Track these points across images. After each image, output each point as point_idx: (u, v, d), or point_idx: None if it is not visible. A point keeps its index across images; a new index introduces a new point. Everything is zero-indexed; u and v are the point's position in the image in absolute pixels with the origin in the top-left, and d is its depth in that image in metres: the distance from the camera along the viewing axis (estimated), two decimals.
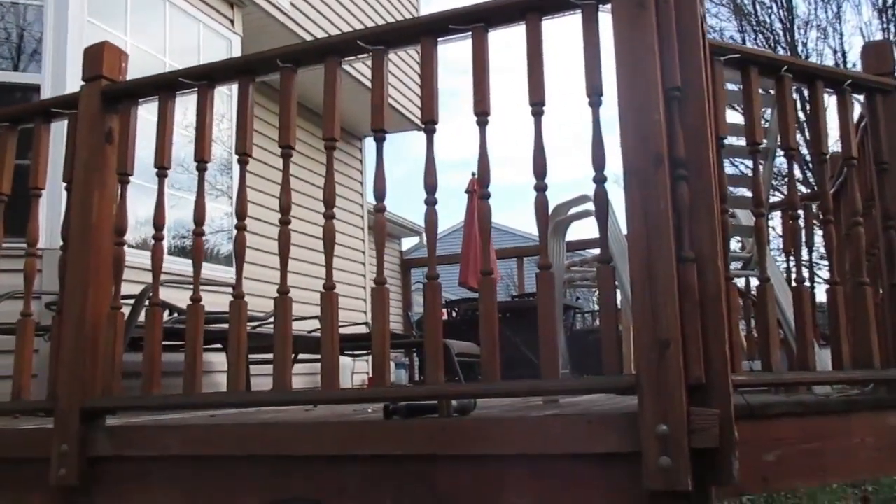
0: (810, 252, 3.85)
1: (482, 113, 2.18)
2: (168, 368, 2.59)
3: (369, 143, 8.52)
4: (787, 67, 2.46)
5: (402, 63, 8.35)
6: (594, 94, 2.05)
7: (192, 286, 2.47)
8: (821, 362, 2.49)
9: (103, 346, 2.51)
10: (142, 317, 2.93)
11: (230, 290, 2.42)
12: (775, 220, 9.47)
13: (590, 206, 3.16)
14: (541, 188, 2.11)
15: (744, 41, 16.54)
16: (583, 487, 1.95)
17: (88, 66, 2.70)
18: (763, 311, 2.24)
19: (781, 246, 9.20)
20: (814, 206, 4.39)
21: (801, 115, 13.27)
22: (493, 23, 2.22)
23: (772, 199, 6.37)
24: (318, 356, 2.27)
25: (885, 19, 15.75)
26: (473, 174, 6.83)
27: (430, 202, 2.20)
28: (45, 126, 2.85)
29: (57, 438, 2.44)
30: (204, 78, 2.58)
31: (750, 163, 2.42)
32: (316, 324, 2.57)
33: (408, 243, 13.91)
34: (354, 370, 7.00)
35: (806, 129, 13.40)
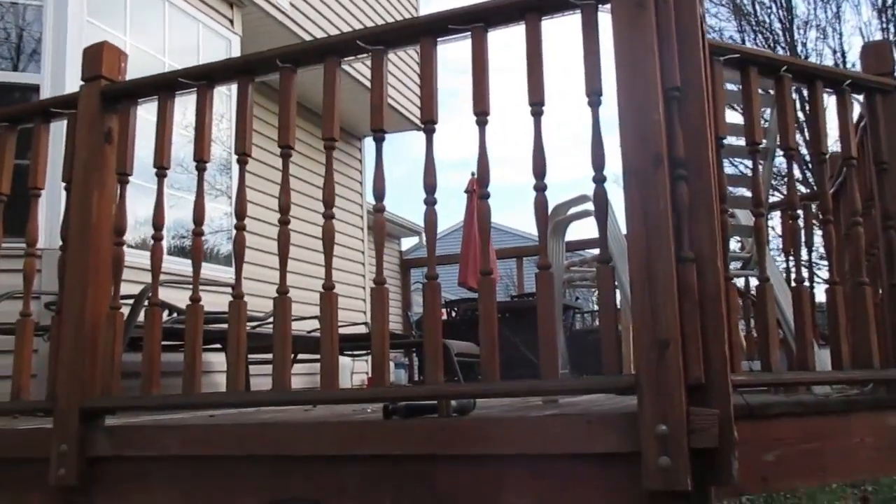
0: (810, 252, 3.85)
1: (482, 113, 2.18)
2: (167, 368, 2.59)
3: (369, 143, 8.51)
4: (786, 67, 2.46)
5: (402, 63, 8.35)
6: (593, 94, 2.05)
7: (191, 286, 2.47)
8: (820, 362, 2.49)
9: (102, 346, 2.51)
10: (141, 317, 2.93)
11: (229, 290, 2.42)
12: (775, 220, 9.49)
13: (589, 206, 3.16)
14: (540, 188, 2.11)
15: (743, 41, 16.54)
16: (582, 487, 1.95)
17: (88, 66, 2.70)
18: (762, 311, 2.24)
19: (781, 246, 9.20)
20: (813, 206, 4.39)
21: (800, 114, 13.27)
22: (492, 23, 2.22)
23: (771, 199, 6.38)
24: (318, 356, 2.27)
25: (884, 19, 15.76)
26: (473, 174, 6.83)
27: (430, 202, 2.20)
28: (44, 126, 2.85)
29: (56, 438, 2.44)
30: (203, 78, 2.58)
31: (749, 163, 2.42)
32: (315, 324, 2.57)
33: (407, 243, 13.92)
34: (354, 370, 7.00)
35: (805, 129, 13.41)
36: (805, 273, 2.52)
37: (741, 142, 2.59)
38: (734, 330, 2.04)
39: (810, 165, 14.18)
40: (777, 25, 16.92)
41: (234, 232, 2.43)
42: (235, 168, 3.20)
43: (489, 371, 2.05)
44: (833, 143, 4.67)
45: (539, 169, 2.11)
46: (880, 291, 2.76)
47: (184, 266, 4.01)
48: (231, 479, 2.33)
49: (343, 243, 7.69)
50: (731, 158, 9.89)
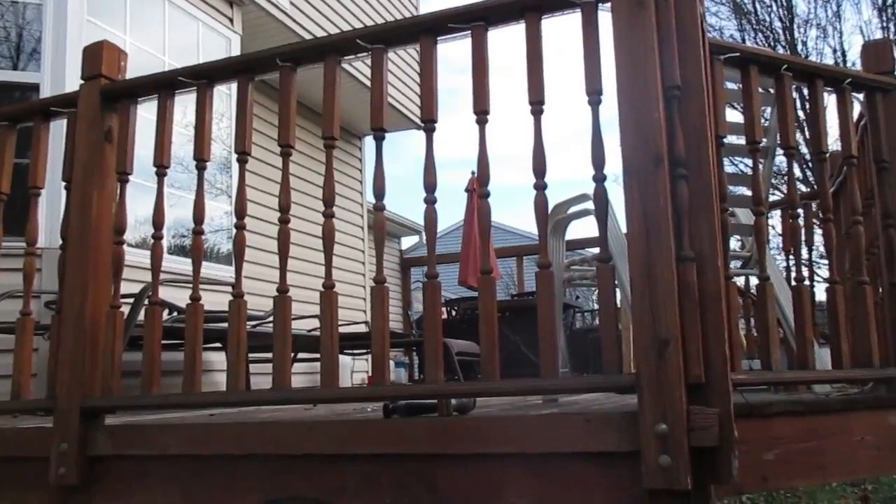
0: (810, 251, 3.85)
1: (482, 112, 2.18)
2: (168, 367, 2.60)
3: (369, 142, 8.51)
4: (786, 66, 2.46)
5: (402, 62, 8.35)
6: (594, 94, 2.05)
7: (191, 285, 2.47)
8: (820, 361, 2.49)
9: (103, 345, 2.51)
10: (141, 316, 2.93)
11: (230, 288, 2.42)
12: (775, 219, 9.48)
13: (589, 204, 3.16)
14: (540, 187, 2.10)
15: (743, 40, 16.54)
16: (582, 486, 1.95)
17: (87, 65, 2.70)
18: (763, 310, 2.24)
19: (781, 245, 9.21)
20: (813, 205, 4.39)
21: (800, 113, 13.27)
22: (492, 22, 2.22)
23: (771, 198, 6.37)
24: (318, 355, 2.27)
25: (884, 18, 15.74)
26: (473, 173, 6.82)
27: (430, 201, 2.20)
28: (44, 125, 2.85)
29: (56, 437, 2.44)
30: (203, 77, 2.58)
31: (750, 161, 2.42)
32: (315, 323, 2.57)
33: (407, 242, 13.90)
34: (354, 369, 7.00)
35: (806, 128, 13.40)
36: (805, 272, 2.52)
37: (741, 140, 2.59)
38: (734, 329, 2.04)
39: (810, 164, 14.18)
40: (777, 24, 16.92)
41: (235, 231, 2.43)
42: (235, 167, 3.20)
43: (489, 370, 2.05)
44: (833, 141, 4.68)
45: (539, 168, 2.11)
46: (880, 290, 2.76)
47: (184, 265, 4.02)
48: (231, 478, 2.33)
49: (343, 242, 7.69)
50: (732, 157, 9.89)
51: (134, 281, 3.36)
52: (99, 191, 2.60)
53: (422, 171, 2.19)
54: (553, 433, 1.97)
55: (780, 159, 2.79)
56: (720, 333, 1.87)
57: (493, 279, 2.13)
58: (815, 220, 4.42)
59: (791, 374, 2.50)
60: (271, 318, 2.37)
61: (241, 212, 2.44)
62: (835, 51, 16.23)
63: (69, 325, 2.52)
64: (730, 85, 2.82)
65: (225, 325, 2.39)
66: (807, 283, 2.44)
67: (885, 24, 15.63)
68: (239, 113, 2.51)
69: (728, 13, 17.36)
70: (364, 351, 5.93)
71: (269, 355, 2.32)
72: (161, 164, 2.60)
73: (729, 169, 11.90)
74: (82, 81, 2.71)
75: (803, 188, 13.18)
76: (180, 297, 3.41)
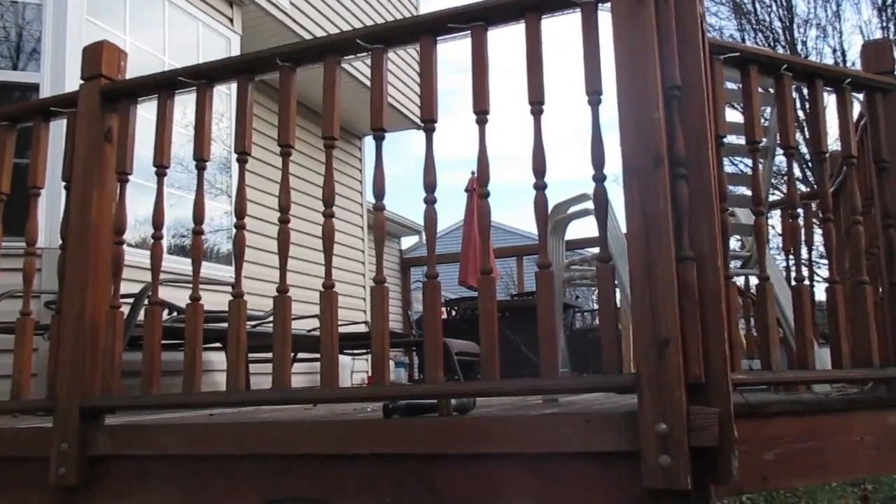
0: (810, 251, 3.85)
1: (482, 112, 2.18)
2: (167, 367, 2.60)
3: (369, 142, 8.51)
4: (786, 66, 2.46)
5: (402, 62, 8.35)
6: (593, 94, 2.05)
7: (191, 285, 2.47)
8: (820, 361, 2.49)
9: (103, 344, 2.51)
10: (141, 315, 2.93)
11: (230, 288, 2.42)
12: (775, 219, 9.48)
13: (589, 204, 3.16)
14: (540, 187, 2.11)
15: (743, 40, 16.53)
16: (582, 486, 1.95)
17: (87, 65, 2.70)
18: (762, 310, 2.24)
19: (781, 244, 9.20)
20: (813, 205, 4.39)
21: (800, 113, 13.26)
22: (492, 21, 2.22)
23: (771, 198, 6.38)
24: (318, 355, 2.27)
25: (884, 18, 15.74)
26: (473, 173, 6.82)
27: (430, 201, 2.19)
28: (44, 125, 2.85)
29: (57, 437, 2.44)
30: (203, 77, 2.58)
31: (749, 161, 2.42)
32: (315, 323, 2.57)
33: (407, 242, 13.90)
34: (354, 369, 7.00)
35: (805, 128, 13.40)
36: (805, 272, 2.52)
37: (741, 140, 2.59)
38: (734, 329, 2.04)
39: (810, 164, 14.18)
40: (777, 24, 16.92)
41: (234, 231, 2.43)
42: (235, 167, 3.20)
43: (489, 370, 2.05)
44: (833, 141, 4.68)
45: (539, 168, 2.10)
46: (880, 290, 2.76)
47: (184, 265, 4.02)
48: (231, 478, 2.33)
49: (343, 242, 7.69)
50: (732, 157, 9.89)
51: (134, 281, 3.36)
52: (99, 191, 2.60)
53: (422, 171, 2.20)
54: (553, 433, 1.97)
55: (780, 159, 2.80)
56: (720, 333, 1.87)
57: (493, 279, 2.13)
58: (815, 220, 4.42)
59: (791, 374, 2.50)
60: (271, 318, 2.37)
61: (241, 212, 2.44)
62: (835, 51, 16.23)
63: (69, 325, 2.52)
64: (730, 85, 2.82)
65: (225, 325, 2.39)
66: (807, 282, 2.44)
67: (885, 24, 15.62)
68: (239, 113, 2.51)
69: (728, 13, 17.37)
70: (364, 351, 5.93)
71: (269, 355, 2.32)
72: (161, 164, 2.60)
73: (729, 169, 11.90)
74: (82, 81, 2.71)
75: (803, 188, 13.18)
76: (180, 297, 3.41)
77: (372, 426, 2.22)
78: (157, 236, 2.55)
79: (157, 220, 2.57)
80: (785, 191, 4.03)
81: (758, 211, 2.37)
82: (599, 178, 2.04)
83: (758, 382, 2.41)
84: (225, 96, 5.51)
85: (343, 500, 2.17)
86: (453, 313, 7.00)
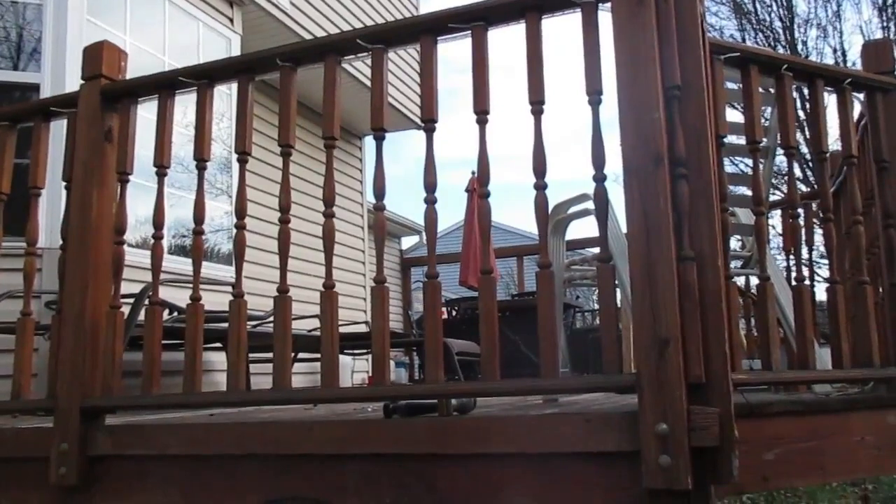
0: (810, 251, 3.85)
1: (482, 112, 2.18)
2: (168, 367, 2.60)
3: (369, 142, 8.51)
4: (787, 66, 2.46)
5: (402, 62, 8.35)
6: (594, 94, 2.05)
7: (191, 285, 2.47)
8: (820, 361, 2.49)
9: (103, 345, 2.51)
10: (141, 316, 2.93)
11: (230, 288, 2.42)
12: (775, 219, 9.49)
13: (589, 204, 3.16)
14: (540, 187, 2.10)
15: (744, 39, 16.53)
16: (582, 486, 1.95)
17: (88, 65, 2.70)
18: (763, 310, 2.24)
19: (781, 244, 9.21)
20: (814, 205, 4.39)
21: (801, 113, 13.26)
22: (492, 21, 2.22)
23: (772, 198, 6.37)
24: (318, 355, 2.27)
25: (884, 18, 15.74)
26: (473, 173, 6.83)
27: (430, 201, 2.20)
28: (44, 125, 2.85)
29: (57, 437, 2.44)
30: (203, 77, 2.58)
31: (750, 161, 2.42)
32: (316, 323, 2.57)
33: (407, 242, 13.90)
34: (354, 369, 7.00)
35: (806, 128, 13.39)
36: (805, 272, 2.52)
37: (741, 140, 2.59)
38: (734, 329, 2.04)
39: (811, 164, 14.18)
40: (777, 24, 16.92)
41: (235, 231, 2.43)
42: (236, 167, 3.20)
43: (489, 370, 2.05)
44: (833, 141, 4.69)
45: (539, 168, 2.10)
46: (881, 290, 2.76)
47: (184, 265, 4.02)
48: (231, 478, 2.33)
49: (343, 242, 7.69)
50: (732, 157, 9.89)
51: (134, 281, 3.36)
52: (99, 191, 2.60)
53: (422, 171, 2.20)
54: (553, 433, 1.97)
55: (781, 159, 2.79)
56: (720, 333, 1.87)
57: (493, 279, 2.13)
58: (815, 220, 4.42)
59: (791, 374, 2.50)
60: (271, 318, 2.37)
61: (241, 212, 2.44)
62: (835, 51, 16.23)
63: (69, 325, 2.52)
64: (730, 85, 2.81)
65: (225, 325, 2.39)
66: (807, 282, 2.44)
67: (885, 24, 15.62)
68: (239, 113, 2.51)
69: (728, 13, 17.37)
70: (364, 351, 5.94)
71: (270, 355, 2.32)
72: (161, 164, 2.60)
73: (729, 169, 11.89)
74: (82, 81, 2.71)
75: (803, 188, 13.18)
76: (180, 297, 3.41)
77: (372, 426, 2.22)
78: (158, 236, 2.55)
79: (158, 220, 2.57)
80: (785, 191, 4.03)
81: (758, 211, 2.37)
82: (600, 178, 2.04)
83: (758, 382, 2.41)
84: (225, 96, 5.51)
85: (343, 500, 2.17)
86: (454, 313, 7.00)
